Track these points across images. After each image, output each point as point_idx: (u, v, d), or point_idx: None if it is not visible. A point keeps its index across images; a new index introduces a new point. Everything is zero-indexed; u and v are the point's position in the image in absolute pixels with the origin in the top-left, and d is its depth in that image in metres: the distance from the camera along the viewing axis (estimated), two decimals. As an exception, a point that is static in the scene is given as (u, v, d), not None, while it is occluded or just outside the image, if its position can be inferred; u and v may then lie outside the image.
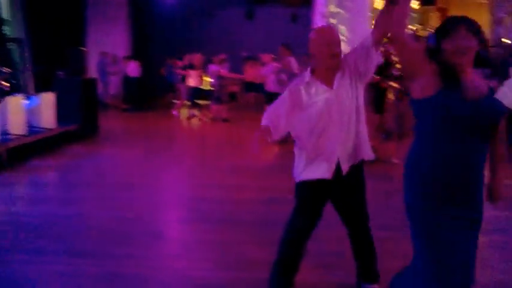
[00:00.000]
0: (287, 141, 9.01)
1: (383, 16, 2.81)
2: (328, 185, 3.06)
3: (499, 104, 2.29)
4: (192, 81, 12.84)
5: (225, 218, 4.99)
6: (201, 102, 13.64)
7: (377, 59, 2.99)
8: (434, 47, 2.33)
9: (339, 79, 2.96)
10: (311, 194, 3.15)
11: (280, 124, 3.05)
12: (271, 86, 10.74)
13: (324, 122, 2.97)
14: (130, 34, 16.52)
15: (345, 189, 3.13)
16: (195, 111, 13.19)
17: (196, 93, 12.92)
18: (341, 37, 7.49)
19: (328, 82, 2.96)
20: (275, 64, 10.83)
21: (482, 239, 2.52)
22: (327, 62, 2.96)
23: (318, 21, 11.70)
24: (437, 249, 2.32)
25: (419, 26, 20.43)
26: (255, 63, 13.43)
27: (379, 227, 3.46)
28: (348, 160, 3.03)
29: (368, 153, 3.12)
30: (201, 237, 4.46)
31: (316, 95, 2.98)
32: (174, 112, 13.81)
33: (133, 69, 14.81)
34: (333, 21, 7.98)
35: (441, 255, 2.30)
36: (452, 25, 2.28)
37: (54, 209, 5.23)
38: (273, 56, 11.84)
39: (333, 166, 3.01)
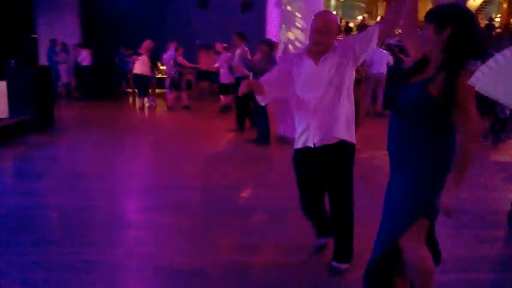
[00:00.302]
0: (244, 130, 9.00)
1: (392, 13, 3.13)
2: (306, 155, 3.36)
3: (415, 92, 2.36)
4: (137, 69, 12.52)
5: (189, 205, 5.07)
6: (151, 90, 13.61)
7: (371, 50, 3.23)
8: None
9: (326, 58, 3.22)
10: (296, 163, 3.49)
11: (273, 85, 3.37)
12: (224, 77, 10.80)
13: (304, 92, 3.29)
14: (81, 21, 16.12)
15: (324, 165, 3.35)
16: (148, 100, 13.06)
17: (143, 80, 12.69)
18: (297, 25, 7.56)
19: (316, 60, 3.25)
20: (227, 54, 10.90)
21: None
22: (311, 46, 3.27)
23: (272, 9, 11.79)
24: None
25: (367, 15, 20.96)
26: (209, 51, 13.41)
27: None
28: (321, 133, 3.26)
29: (343, 134, 3.29)
30: (168, 224, 4.52)
31: (303, 68, 3.31)
32: (149, 101, 13.51)
33: (85, 57, 14.49)
34: (289, 8, 8.06)
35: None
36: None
37: (14, 200, 5.16)
38: (224, 45, 11.87)
39: (310, 136, 3.30)
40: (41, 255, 3.80)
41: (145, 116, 12.39)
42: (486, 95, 1.96)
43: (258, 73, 7.75)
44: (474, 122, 2.29)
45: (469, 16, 2.34)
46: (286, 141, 8.02)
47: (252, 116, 9.22)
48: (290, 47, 7.81)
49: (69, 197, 5.30)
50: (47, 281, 3.42)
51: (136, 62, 12.48)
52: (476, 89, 1.95)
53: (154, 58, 13.09)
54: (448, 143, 2.43)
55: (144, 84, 12.80)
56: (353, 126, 3.34)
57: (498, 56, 1.92)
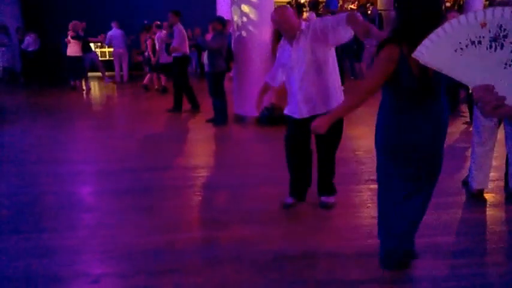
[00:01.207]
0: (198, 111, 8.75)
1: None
2: (297, 124, 3.92)
3: None
4: (68, 51, 12.39)
5: (146, 187, 4.98)
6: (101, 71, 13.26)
7: (348, 35, 3.54)
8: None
9: (297, 42, 3.75)
10: (288, 125, 4.11)
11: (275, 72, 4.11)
12: (162, 57, 10.61)
13: (288, 70, 3.90)
14: (20, 4, 15.37)
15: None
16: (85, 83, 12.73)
17: (74, 62, 12.49)
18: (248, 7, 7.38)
19: (291, 43, 3.83)
20: (162, 32, 10.78)
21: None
22: (284, 35, 3.87)
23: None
24: None
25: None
26: (150, 32, 12.91)
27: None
28: (308, 107, 3.82)
29: (330, 104, 3.77)
30: (127, 206, 4.44)
31: (285, 51, 3.93)
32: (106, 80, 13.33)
33: (31, 42, 13.82)
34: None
35: None
36: None
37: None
38: (157, 22, 11.64)
39: (299, 109, 3.86)
40: (3, 242, 3.71)
41: (94, 99, 12.04)
42: (431, 67, 1.97)
43: (214, 51, 7.63)
44: (366, 82, 2.69)
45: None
46: (243, 120, 8.01)
47: (190, 95, 9.13)
48: (244, 19, 7.70)
49: (21, 184, 5.14)
50: (10, 267, 3.33)
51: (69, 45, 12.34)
52: (421, 62, 1.96)
53: (82, 37, 12.72)
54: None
55: (75, 66, 12.58)
56: (340, 93, 3.86)
57: (439, 29, 1.91)
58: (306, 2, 17.67)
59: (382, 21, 16.50)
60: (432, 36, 1.89)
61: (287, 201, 4.23)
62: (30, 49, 13.74)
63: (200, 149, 6.84)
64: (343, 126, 3.96)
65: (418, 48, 1.93)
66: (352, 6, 17.51)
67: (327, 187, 4.21)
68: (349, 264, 3.26)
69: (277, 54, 4.07)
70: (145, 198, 4.63)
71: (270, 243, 3.61)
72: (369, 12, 17.23)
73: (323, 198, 4.22)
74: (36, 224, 4.07)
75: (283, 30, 3.79)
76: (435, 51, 1.90)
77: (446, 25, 1.92)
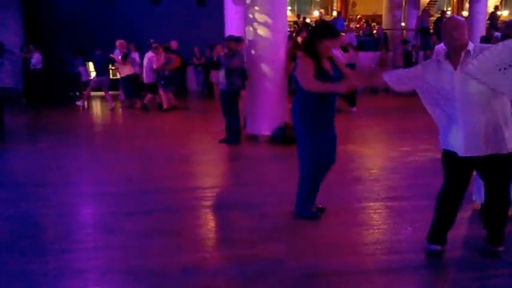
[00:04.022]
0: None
1: None
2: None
3: None
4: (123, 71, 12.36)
5: (165, 208, 4.85)
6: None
7: None
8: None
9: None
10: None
11: None
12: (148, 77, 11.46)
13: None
14: (23, 21, 15.30)
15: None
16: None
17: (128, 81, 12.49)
18: (260, 20, 7.30)
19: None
20: (153, 54, 11.50)
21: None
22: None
23: (230, 5, 11.59)
24: None
25: (323, 10, 21.18)
26: (158, 51, 12.68)
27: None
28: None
29: None
30: (149, 227, 4.33)
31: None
32: (79, 103, 13.09)
33: (40, 59, 13.67)
34: (252, 4, 7.84)
35: None
36: None
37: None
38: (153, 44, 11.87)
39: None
40: (30, 264, 3.61)
41: (100, 120, 11.89)
42: (478, 80, 2.40)
43: (232, 70, 7.58)
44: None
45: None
46: (255, 139, 7.91)
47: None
48: (258, 39, 7.62)
49: (40, 206, 4.97)
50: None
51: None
52: (471, 75, 2.41)
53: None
54: None
55: (131, 85, 12.56)
56: None
57: (490, 49, 2.33)
58: (311, 21, 17.75)
59: (387, 40, 16.61)
60: (480, 56, 2.27)
61: (436, 249, 3.58)
62: (37, 67, 13.58)
63: (216, 169, 6.74)
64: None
65: (471, 62, 2.30)
66: (358, 26, 17.56)
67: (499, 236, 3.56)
68: (374, 279, 3.30)
69: None
70: (166, 220, 4.52)
71: (296, 260, 3.60)
72: (375, 31, 17.37)
73: (490, 247, 3.57)
74: (61, 245, 3.96)
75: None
76: (483, 67, 2.24)
77: (499, 45, 2.29)
